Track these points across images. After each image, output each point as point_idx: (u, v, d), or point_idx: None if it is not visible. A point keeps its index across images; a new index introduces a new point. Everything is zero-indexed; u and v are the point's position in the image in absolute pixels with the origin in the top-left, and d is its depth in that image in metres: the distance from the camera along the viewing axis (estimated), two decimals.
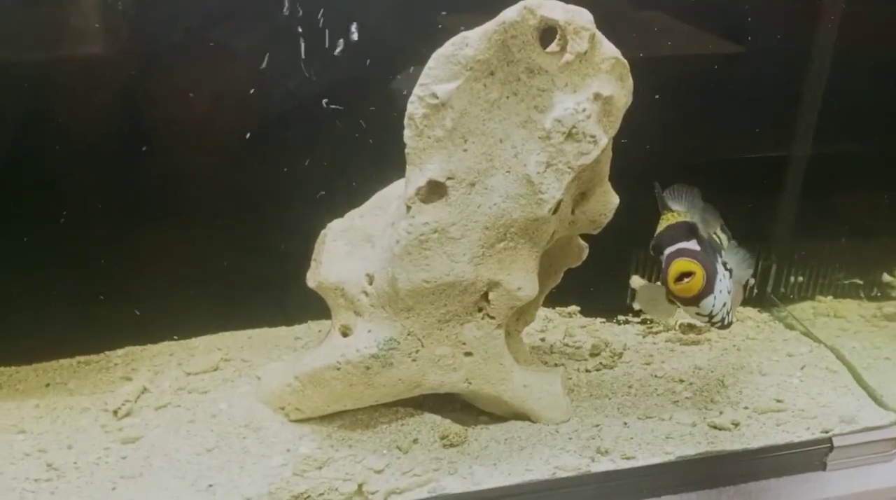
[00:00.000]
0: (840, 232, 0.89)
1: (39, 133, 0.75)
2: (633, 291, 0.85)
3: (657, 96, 0.78)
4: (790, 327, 0.87)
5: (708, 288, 0.60)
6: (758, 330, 0.86)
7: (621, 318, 0.87)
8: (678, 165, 0.85)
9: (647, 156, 0.81)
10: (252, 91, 0.76)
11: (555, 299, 0.85)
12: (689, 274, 0.60)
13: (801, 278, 0.90)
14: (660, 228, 0.64)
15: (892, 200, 0.86)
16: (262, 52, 0.74)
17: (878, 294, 0.86)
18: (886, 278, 0.86)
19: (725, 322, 0.65)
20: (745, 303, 0.90)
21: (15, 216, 0.75)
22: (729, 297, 0.64)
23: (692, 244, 0.61)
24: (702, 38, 0.85)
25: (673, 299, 0.63)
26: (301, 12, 0.72)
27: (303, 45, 0.74)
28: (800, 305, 0.89)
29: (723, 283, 0.62)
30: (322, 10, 0.72)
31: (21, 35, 0.71)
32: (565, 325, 0.86)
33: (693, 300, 0.62)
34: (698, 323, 0.71)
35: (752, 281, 0.90)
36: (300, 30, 0.73)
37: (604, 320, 0.88)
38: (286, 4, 0.72)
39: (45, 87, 0.73)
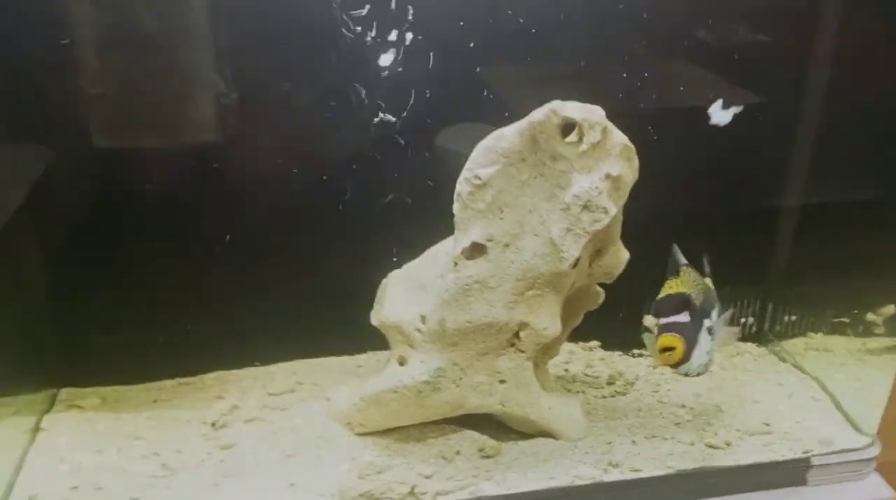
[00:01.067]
0: (830, 276, 0.97)
1: (136, 173, 0.88)
2: (646, 328, 0.98)
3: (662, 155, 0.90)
4: (783, 360, 0.98)
5: (685, 358, 0.73)
6: (754, 363, 0.97)
7: (636, 352, 0.98)
8: (686, 217, 0.97)
9: (658, 209, 0.94)
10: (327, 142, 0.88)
11: (579, 336, 0.94)
12: (671, 348, 0.73)
13: (794, 317, 1.00)
14: (661, 295, 0.76)
15: (875, 247, 0.95)
16: (322, 106, 0.86)
17: (863, 331, 0.96)
18: (871, 316, 0.97)
19: (702, 374, 0.78)
20: (744, 340, 1.02)
21: (121, 262, 0.88)
22: (707, 356, 0.77)
23: (682, 317, 0.73)
24: (701, 90, 0.95)
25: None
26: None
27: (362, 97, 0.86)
28: (793, 340, 0.99)
29: (702, 347, 0.74)
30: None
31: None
32: (587, 358, 0.97)
33: (673, 367, 0.75)
34: None
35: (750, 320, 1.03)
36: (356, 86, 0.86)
37: (621, 353, 0.98)
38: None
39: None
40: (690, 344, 0.73)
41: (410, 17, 0.83)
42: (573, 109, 0.70)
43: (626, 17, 0.89)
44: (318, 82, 0.86)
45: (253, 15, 0.82)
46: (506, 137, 0.71)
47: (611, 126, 0.73)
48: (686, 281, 0.77)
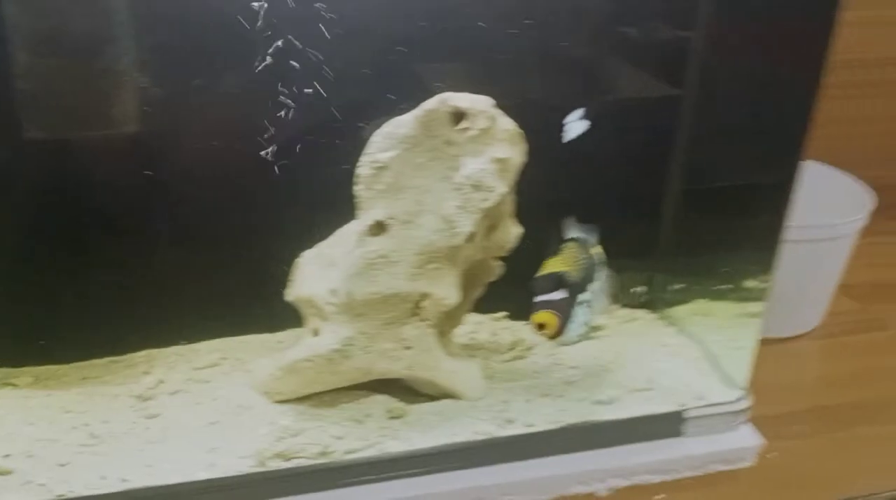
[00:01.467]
0: (715, 250, 1.05)
1: (65, 163, 0.92)
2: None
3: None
4: (670, 324, 1.07)
5: (560, 332, 0.82)
6: (644, 327, 1.06)
7: None
8: (586, 198, 1.05)
9: (561, 191, 1.03)
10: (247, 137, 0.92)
11: (488, 307, 1.03)
12: (543, 325, 0.82)
13: (681, 286, 1.11)
14: (539, 273, 0.85)
15: (752, 224, 1.02)
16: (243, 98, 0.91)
17: (742, 297, 1.04)
18: (750, 284, 1.06)
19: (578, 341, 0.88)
20: (636, 306, 1.12)
21: (51, 248, 0.93)
22: (584, 327, 0.86)
23: (557, 294, 0.82)
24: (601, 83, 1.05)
25: None
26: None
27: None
28: (681, 307, 1.08)
29: (576, 321, 0.84)
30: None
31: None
32: (493, 327, 1.04)
33: (549, 339, 0.84)
34: None
35: (641, 289, 1.13)
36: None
37: (525, 323, 1.06)
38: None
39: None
40: (564, 319, 0.82)
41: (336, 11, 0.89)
42: (461, 99, 0.78)
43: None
44: (239, 75, 0.90)
45: (173, 13, 0.86)
46: (403, 124, 0.79)
47: (498, 114, 0.80)
48: (566, 258, 0.85)
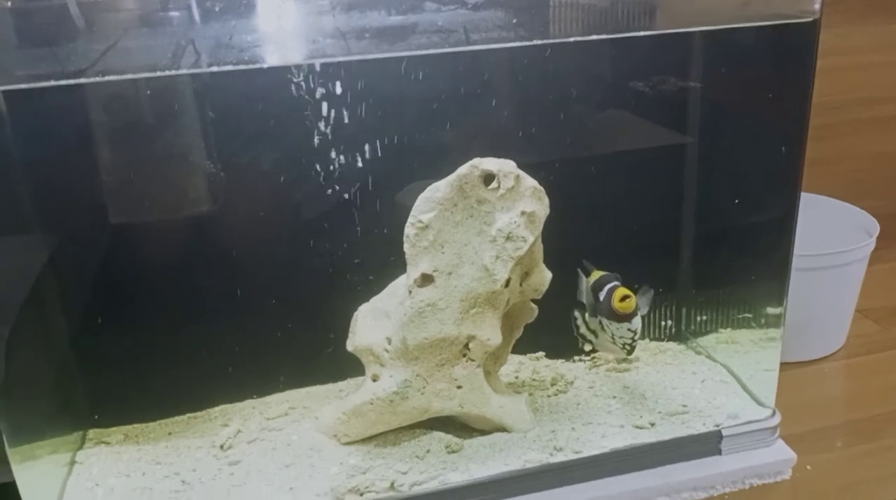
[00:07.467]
0: (734, 282, 1.14)
1: (146, 243, 1.04)
2: (575, 317, 1.05)
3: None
4: (697, 353, 1.15)
5: (636, 311, 0.90)
6: (673, 357, 1.14)
7: (575, 358, 1.15)
8: (609, 242, 1.15)
9: (581, 235, 1.12)
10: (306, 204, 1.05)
11: (527, 348, 1.13)
12: (628, 296, 0.90)
13: (705, 317, 1.18)
14: (593, 279, 0.94)
15: (762, 256, 1.08)
16: (297, 174, 1.03)
17: (765, 323, 1.12)
18: (770, 310, 1.14)
19: (634, 346, 0.95)
20: (665, 339, 1.20)
21: (135, 320, 1.04)
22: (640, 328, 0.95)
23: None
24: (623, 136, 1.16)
25: (615, 316, 0.92)
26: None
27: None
28: (706, 336, 1.16)
29: (638, 313, 0.93)
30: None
31: None
32: (534, 366, 1.12)
33: (628, 317, 0.91)
34: (617, 350, 0.97)
35: (670, 322, 1.21)
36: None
37: (563, 360, 1.15)
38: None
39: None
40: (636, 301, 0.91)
41: (366, 88, 1.01)
42: (490, 163, 0.89)
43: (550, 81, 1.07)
44: (292, 158, 1.03)
45: (230, 106, 0.99)
46: (440, 188, 0.90)
47: (522, 174, 0.91)
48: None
